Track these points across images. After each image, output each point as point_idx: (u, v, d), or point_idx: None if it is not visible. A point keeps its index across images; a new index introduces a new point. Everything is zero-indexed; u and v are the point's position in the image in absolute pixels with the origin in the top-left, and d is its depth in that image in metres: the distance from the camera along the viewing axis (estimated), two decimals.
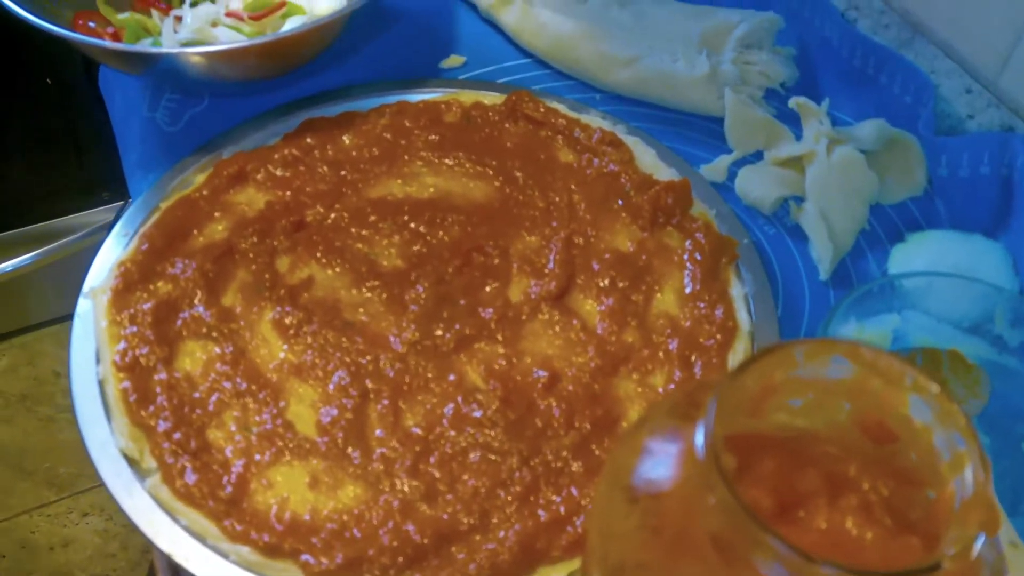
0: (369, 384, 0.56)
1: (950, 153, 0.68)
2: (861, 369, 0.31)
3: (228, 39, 0.72)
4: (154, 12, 0.75)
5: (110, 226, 0.64)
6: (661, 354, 0.59)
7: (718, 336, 0.60)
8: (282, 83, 0.74)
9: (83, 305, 0.59)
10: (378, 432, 0.54)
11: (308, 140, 0.69)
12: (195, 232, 0.63)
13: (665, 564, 0.30)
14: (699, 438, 0.28)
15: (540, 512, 0.52)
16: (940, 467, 0.31)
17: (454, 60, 0.80)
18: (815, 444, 0.37)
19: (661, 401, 0.34)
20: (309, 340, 0.58)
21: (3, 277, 1.37)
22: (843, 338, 0.45)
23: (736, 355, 0.59)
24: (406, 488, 0.52)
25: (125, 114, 0.76)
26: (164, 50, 0.67)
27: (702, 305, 0.61)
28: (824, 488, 0.36)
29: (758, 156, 0.74)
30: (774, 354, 0.30)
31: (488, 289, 0.62)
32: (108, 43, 0.68)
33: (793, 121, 0.74)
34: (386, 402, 0.55)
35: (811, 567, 0.26)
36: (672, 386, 0.57)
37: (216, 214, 0.64)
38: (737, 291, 0.62)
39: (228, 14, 0.74)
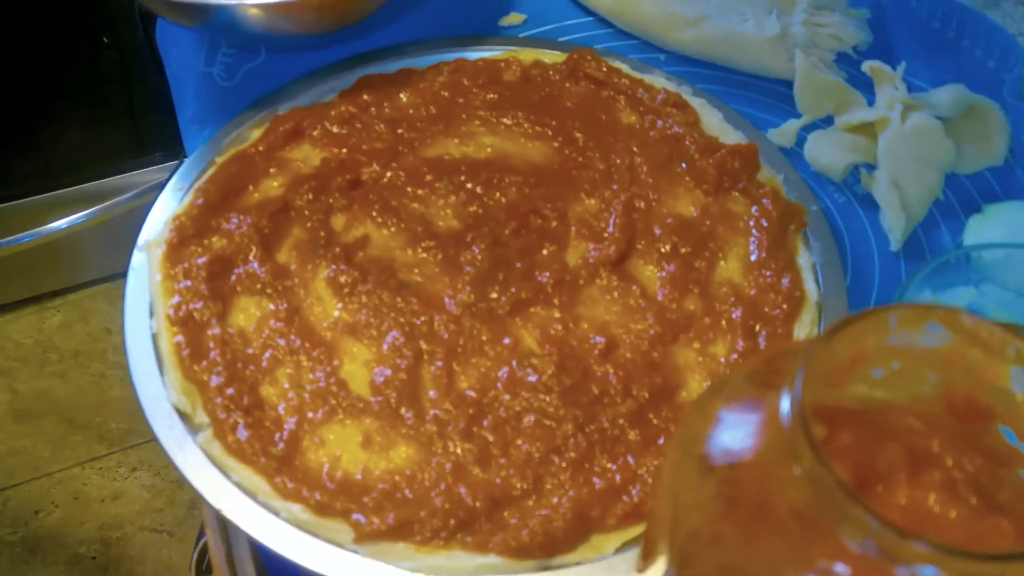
0: (423, 345, 0.55)
1: None
2: (959, 338, 0.29)
3: None
4: None
5: (165, 181, 0.63)
6: (724, 323, 0.57)
7: (784, 306, 0.57)
8: (339, 39, 0.73)
9: (137, 259, 0.58)
10: (431, 394, 0.53)
11: (365, 97, 0.68)
12: (250, 188, 0.62)
13: (742, 536, 0.28)
14: (784, 405, 0.27)
15: (595, 480, 0.50)
16: None
17: (514, 18, 0.77)
18: (896, 417, 0.35)
19: (737, 368, 0.32)
20: (363, 299, 0.57)
21: (58, 235, 1.38)
22: (942, 304, 0.43)
23: (803, 326, 0.57)
24: (459, 451, 0.51)
25: (181, 69, 0.75)
26: (221, 1, 0.66)
27: (768, 273, 0.59)
28: (905, 463, 0.34)
29: (828, 122, 0.71)
30: (867, 319, 0.28)
31: (545, 252, 0.60)
32: None
33: (865, 86, 0.71)
34: (440, 364, 0.54)
35: (904, 544, 0.25)
36: (735, 356, 0.56)
37: (271, 170, 0.63)
38: (804, 260, 0.60)
39: None
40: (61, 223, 1.38)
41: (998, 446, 0.34)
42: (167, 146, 1.40)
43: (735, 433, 0.31)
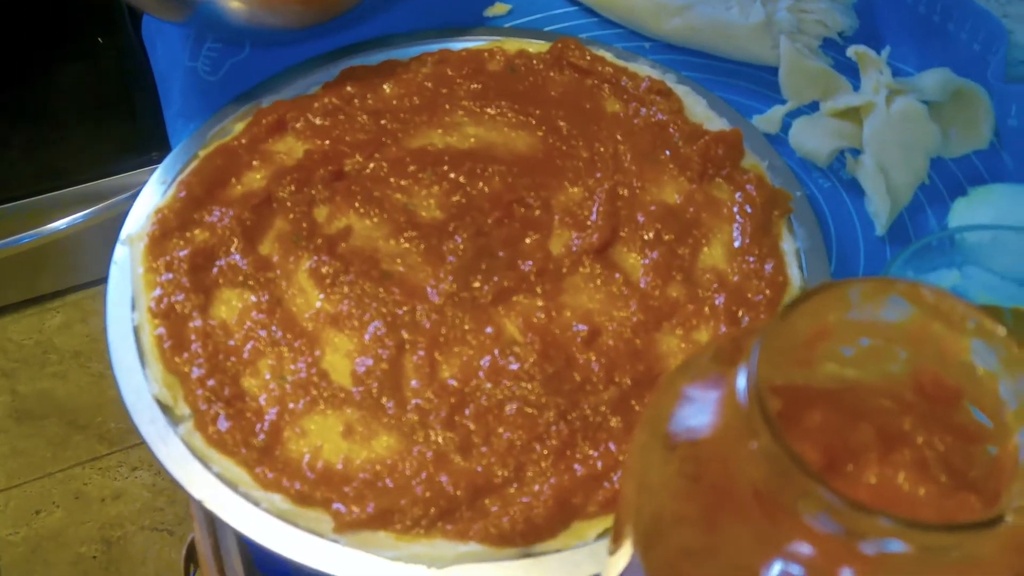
0: (405, 335, 0.55)
1: (1021, 102, 0.64)
2: (921, 311, 0.29)
3: None
4: None
5: (152, 175, 0.63)
6: (707, 309, 0.57)
7: (767, 292, 0.57)
8: (323, 32, 0.73)
9: (120, 252, 0.59)
10: (413, 383, 0.53)
11: (348, 89, 0.67)
12: (233, 181, 0.62)
13: (704, 516, 0.28)
14: (741, 381, 0.27)
15: (576, 467, 0.50)
16: (1005, 417, 0.28)
17: (499, 8, 0.77)
18: (867, 397, 0.35)
19: (704, 347, 0.32)
20: (346, 290, 0.57)
21: (57, 235, 1.39)
22: (903, 277, 0.42)
23: None
24: (440, 439, 0.51)
25: (167, 64, 0.75)
26: None
27: (751, 260, 0.59)
28: (876, 442, 0.34)
29: (814, 108, 0.70)
30: (826, 292, 0.28)
31: (528, 241, 0.60)
32: None
33: (851, 72, 0.71)
34: (422, 353, 0.54)
35: (862, 518, 0.25)
36: None
37: (255, 163, 0.63)
38: (789, 246, 0.60)
39: None
40: (60, 223, 1.38)
41: (968, 423, 0.34)
42: (164, 146, 1.41)
43: (698, 410, 0.30)
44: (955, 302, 0.28)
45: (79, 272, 1.59)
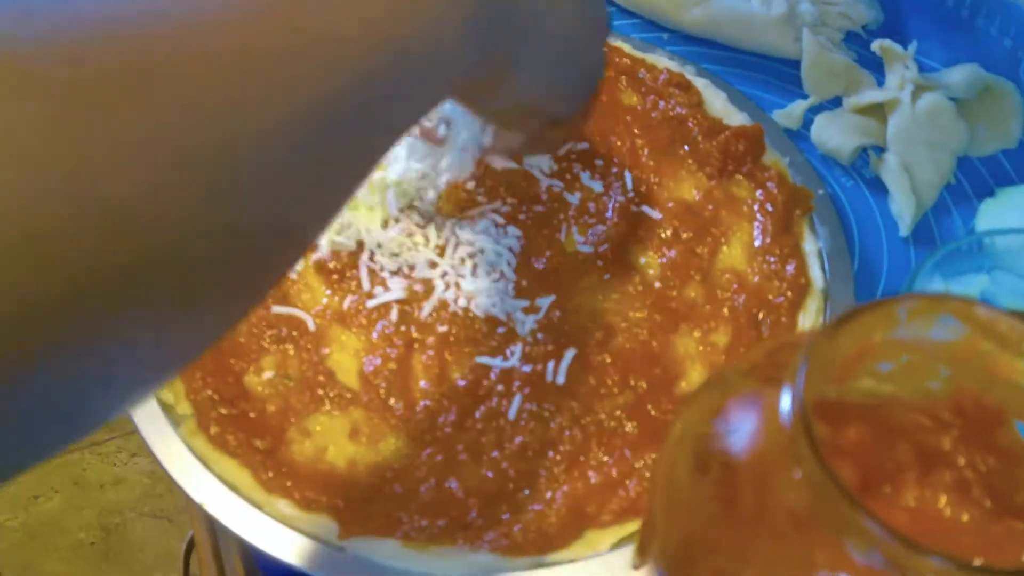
0: (415, 333, 0.53)
1: None
2: (972, 331, 0.27)
3: None
4: None
5: None
6: (726, 311, 0.55)
7: (788, 293, 0.55)
8: None
9: None
10: (422, 384, 0.51)
11: None
12: None
13: (739, 543, 0.26)
14: (785, 403, 0.25)
15: (591, 474, 0.49)
16: None
17: None
18: (902, 413, 0.33)
19: (737, 362, 0.30)
20: (353, 286, 0.55)
21: None
22: (957, 294, 0.41)
23: (808, 314, 0.55)
24: (450, 443, 0.49)
25: None
26: None
27: (772, 260, 0.57)
28: (914, 462, 0.32)
29: (836, 103, 0.68)
30: (874, 311, 0.26)
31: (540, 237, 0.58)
32: None
33: (875, 67, 0.69)
34: (431, 353, 0.53)
35: (914, 556, 0.23)
36: (738, 347, 0.54)
37: None
38: (810, 246, 0.58)
39: None
40: None
41: (1013, 445, 0.32)
42: None
43: (733, 431, 0.29)
44: (1012, 322, 0.26)
45: None
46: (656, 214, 0.59)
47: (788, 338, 0.38)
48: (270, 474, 0.48)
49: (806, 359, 0.25)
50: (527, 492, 0.48)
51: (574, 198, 0.59)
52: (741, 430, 0.28)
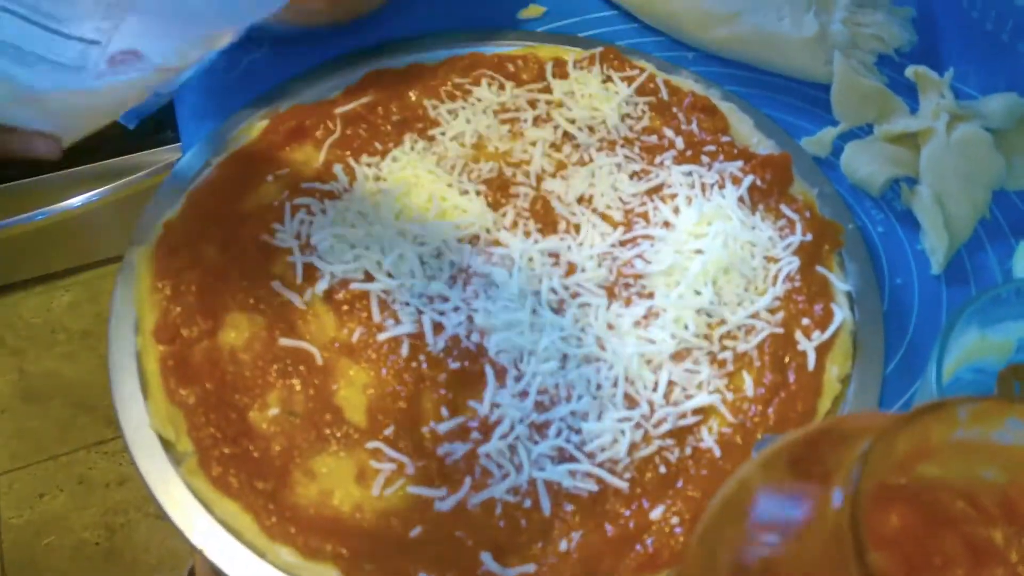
0: (425, 369, 0.51)
1: None
2: None
3: None
4: None
5: (164, 182, 0.60)
6: (751, 354, 0.53)
7: (816, 335, 0.53)
8: (348, 31, 0.69)
9: (126, 267, 0.55)
10: (433, 425, 0.49)
11: (371, 95, 0.63)
12: (247, 192, 0.58)
13: None
14: (836, 507, 0.23)
15: (607, 526, 0.47)
16: None
17: (534, 10, 0.73)
18: (950, 499, 0.31)
19: (776, 449, 0.28)
20: (363, 317, 0.53)
21: (71, 213, 1.36)
22: (1017, 398, 0.38)
23: (834, 358, 0.53)
24: (461, 489, 0.47)
25: None
26: None
27: (800, 299, 0.55)
28: (964, 555, 0.30)
29: (867, 130, 0.66)
30: (934, 415, 0.24)
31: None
32: None
33: (909, 92, 0.66)
34: (443, 391, 0.51)
35: None
36: (762, 391, 0.51)
37: (270, 175, 0.59)
38: (839, 284, 0.56)
39: None
40: (74, 201, 1.35)
41: None
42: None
43: (775, 529, 0.27)
44: None
45: (91, 251, 1.56)
46: None
47: (830, 425, 0.35)
48: (273, 519, 0.46)
49: (860, 472, 0.23)
50: (540, 544, 0.46)
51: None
52: (784, 530, 0.26)
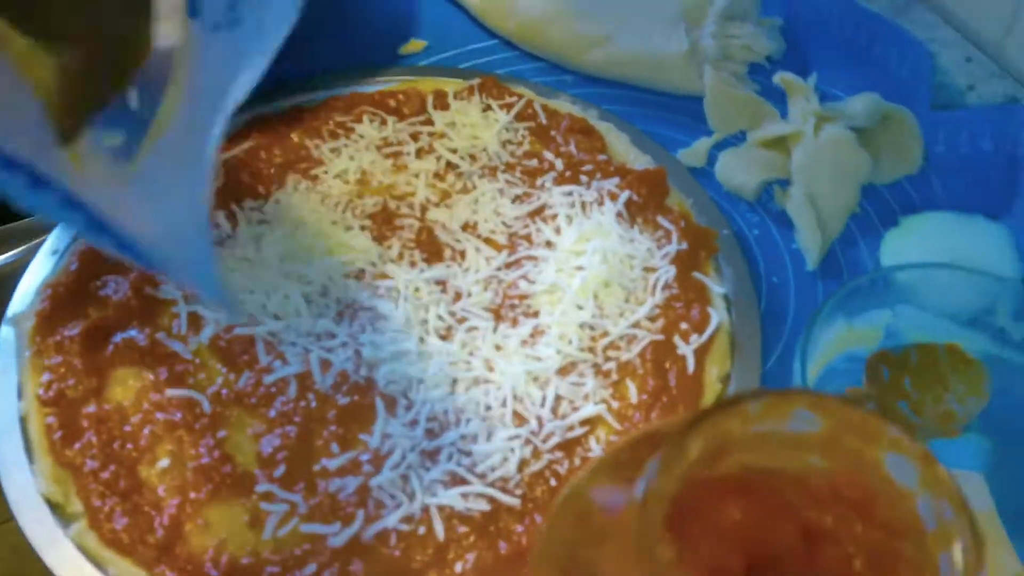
0: (314, 408, 0.52)
1: (948, 128, 0.63)
2: (831, 423, 0.26)
3: None
4: None
5: (38, 245, 0.59)
6: (633, 362, 0.54)
7: (694, 339, 0.55)
8: None
9: (4, 333, 0.54)
10: (324, 462, 0.50)
11: (253, 140, 0.64)
12: None
13: None
14: (635, 509, 0.24)
15: (500, 543, 0.47)
16: (925, 537, 0.26)
17: (414, 45, 0.74)
18: (786, 486, 0.32)
19: (606, 455, 0.29)
20: (250, 360, 0.53)
21: None
22: (804, 389, 0.40)
23: (714, 359, 0.54)
24: (354, 523, 0.48)
25: None
26: None
27: (678, 305, 0.56)
28: (800, 544, 0.32)
29: (742, 138, 0.68)
30: (723, 414, 0.26)
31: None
32: None
33: (780, 98, 0.69)
34: (333, 427, 0.51)
35: None
36: (644, 396, 0.53)
37: None
38: (716, 288, 0.58)
39: None
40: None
41: (892, 520, 0.31)
42: None
43: (596, 528, 0.28)
44: (866, 416, 0.26)
45: None
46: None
47: (655, 428, 0.36)
48: (166, 571, 0.46)
49: (652, 474, 0.24)
50: (436, 570, 0.47)
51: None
52: (600, 530, 0.27)
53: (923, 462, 0.25)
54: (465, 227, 0.61)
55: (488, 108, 0.67)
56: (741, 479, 0.32)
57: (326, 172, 0.63)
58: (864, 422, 0.26)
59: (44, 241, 0.60)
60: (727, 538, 0.31)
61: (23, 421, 0.51)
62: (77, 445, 0.50)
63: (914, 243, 0.60)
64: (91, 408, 0.51)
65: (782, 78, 0.68)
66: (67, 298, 0.55)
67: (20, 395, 0.52)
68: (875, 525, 0.32)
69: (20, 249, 1.29)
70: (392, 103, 0.67)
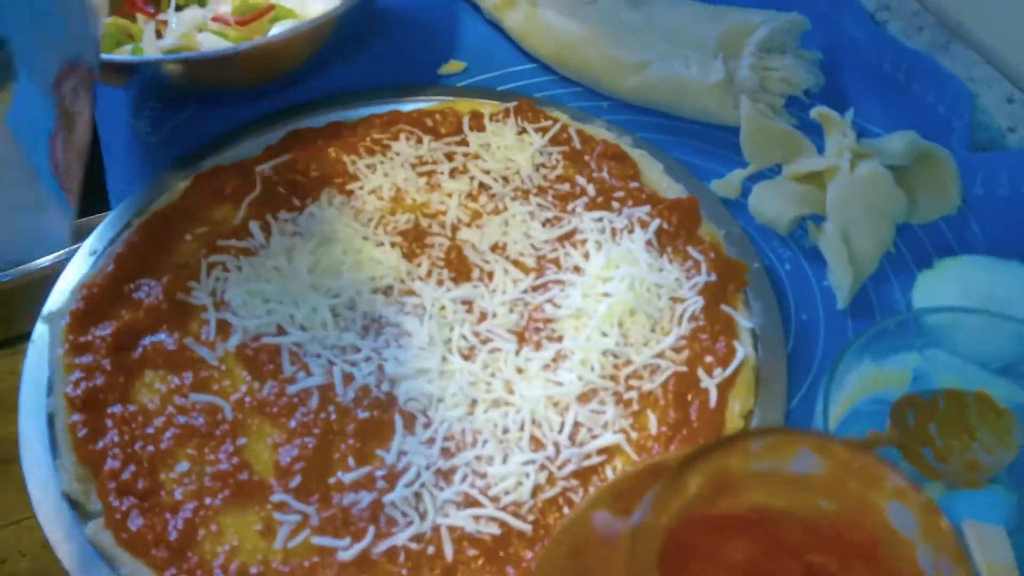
0: (334, 420, 0.52)
1: (987, 170, 0.61)
2: (833, 466, 0.26)
3: (212, 45, 0.68)
4: (139, 17, 0.71)
5: (81, 244, 0.61)
6: (656, 393, 0.54)
7: (718, 373, 0.54)
8: (271, 91, 0.71)
9: (39, 330, 0.56)
10: (339, 475, 0.50)
11: (291, 153, 0.65)
12: (166, 252, 0.60)
13: None
14: (627, 546, 0.24)
15: (509, 569, 0.47)
16: None
17: (454, 66, 0.75)
18: (792, 528, 0.32)
19: (610, 484, 0.29)
20: (274, 370, 0.54)
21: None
22: (809, 430, 0.40)
23: (737, 394, 0.54)
24: (364, 538, 0.48)
25: (109, 123, 0.72)
26: (133, 58, 0.64)
27: (704, 337, 0.56)
28: None
29: (777, 171, 0.68)
30: (723, 448, 0.25)
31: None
32: None
33: (817, 132, 0.68)
34: (351, 441, 0.51)
35: None
36: (664, 428, 0.52)
37: (188, 234, 0.60)
38: (743, 322, 0.57)
39: (215, 19, 0.70)
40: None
41: (895, 568, 0.31)
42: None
43: (593, 557, 0.28)
44: (870, 460, 0.25)
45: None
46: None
47: (660, 460, 0.36)
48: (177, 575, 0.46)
49: (650, 504, 0.24)
50: None
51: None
52: (599, 559, 0.27)
53: (924, 512, 0.25)
54: (494, 248, 0.61)
55: (523, 131, 0.67)
56: (746, 519, 0.32)
57: (361, 188, 0.64)
58: (866, 467, 0.25)
59: (83, 243, 0.61)
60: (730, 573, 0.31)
61: (50, 417, 0.52)
62: (100, 444, 0.50)
63: (948, 286, 0.59)
64: (116, 408, 0.52)
65: (819, 112, 0.67)
66: (101, 299, 0.56)
67: (49, 391, 0.53)
68: (880, 572, 0.31)
69: (63, 252, 1.31)
70: (429, 122, 0.68)
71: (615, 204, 0.63)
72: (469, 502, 0.49)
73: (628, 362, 0.55)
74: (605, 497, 0.29)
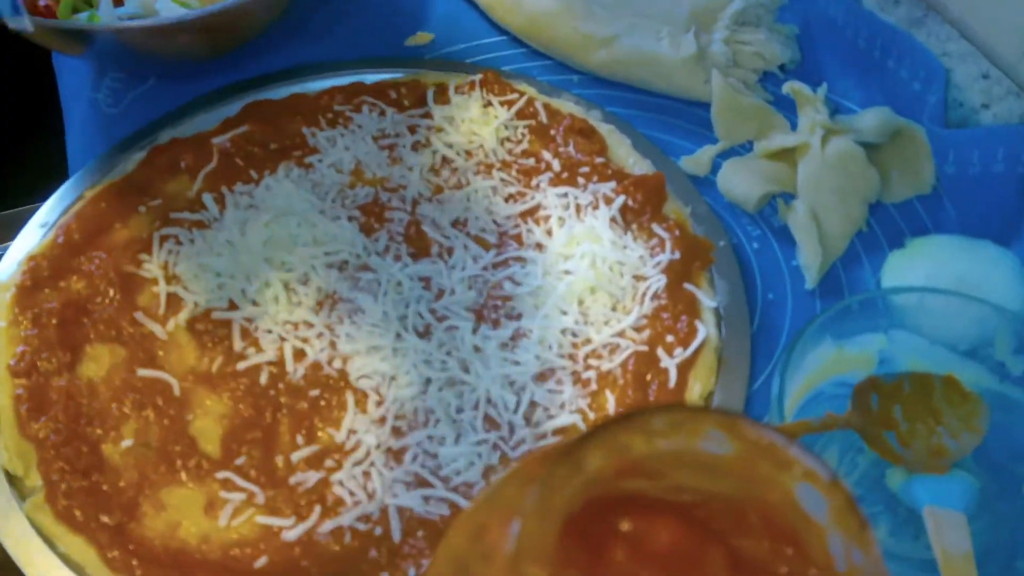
0: (283, 399, 0.51)
1: (959, 148, 0.60)
2: (741, 446, 0.25)
3: (169, 12, 0.66)
4: None
5: (29, 215, 0.59)
6: (614, 372, 0.53)
7: (679, 352, 0.53)
8: (232, 63, 0.69)
9: None
10: (287, 454, 0.49)
11: (249, 125, 0.63)
12: (118, 224, 0.58)
13: None
14: (509, 544, 0.23)
15: None
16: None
17: (421, 37, 0.73)
18: (723, 513, 0.31)
19: (514, 469, 0.28)
20: (225, 345, 0.53)
21: None
22: (719, 409, 0.38)
23: (698, 374, 0.53)
24: (310, 518, 0.47)
25: (70, 94, 0.71)
26: (90, 25, 0.62)
27: (666, 316, 0.55)
28: (728, 569, 0.30)
29: (749, 148, 0.66)
30: (623, 425, 0.24)
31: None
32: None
33: (792, 109, 0.66)
34: (301, 419, 0.50)
35: None
36: (622, 409, 0.51)
37: (142, 207, 0.59)
38: (707, 302, 0.56)
39: None
40: None
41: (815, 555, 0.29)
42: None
43: (488, 551, 0.26)
44: (776, 439, 0.24)
45: None
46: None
47: (555, 447, 0.34)
48: (116, 553, 0.45)
49: (542, 482, 0.22)
50: (387, 573, 0.45)
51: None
52: (491, 553, 0.26)
53: (834, 494, 0.23)
54: (455, 224, 0.60)
55: (489, 104, 0.66)
56: (673, 502, 0.31)
57: (320, 160, 0.62)
58: (772, 447, 0.24)
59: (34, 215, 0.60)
60: (654, 564, 0.30)
61: None
62: (43, 419, 0.49)
63: (918, 266, 0.58)
64: (62, 382, 0.51)
65: (791, 87, 0.66)
66: (49, 271, 0.55)
67: None
68: (807, 559, 0.30)
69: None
70: (392, 94, 0.66)
71: (580, 180, 0.61)
72: (419, 482, 0.48)
73: (587, 341, 0.54)
74: (515, 479, 0.28)
